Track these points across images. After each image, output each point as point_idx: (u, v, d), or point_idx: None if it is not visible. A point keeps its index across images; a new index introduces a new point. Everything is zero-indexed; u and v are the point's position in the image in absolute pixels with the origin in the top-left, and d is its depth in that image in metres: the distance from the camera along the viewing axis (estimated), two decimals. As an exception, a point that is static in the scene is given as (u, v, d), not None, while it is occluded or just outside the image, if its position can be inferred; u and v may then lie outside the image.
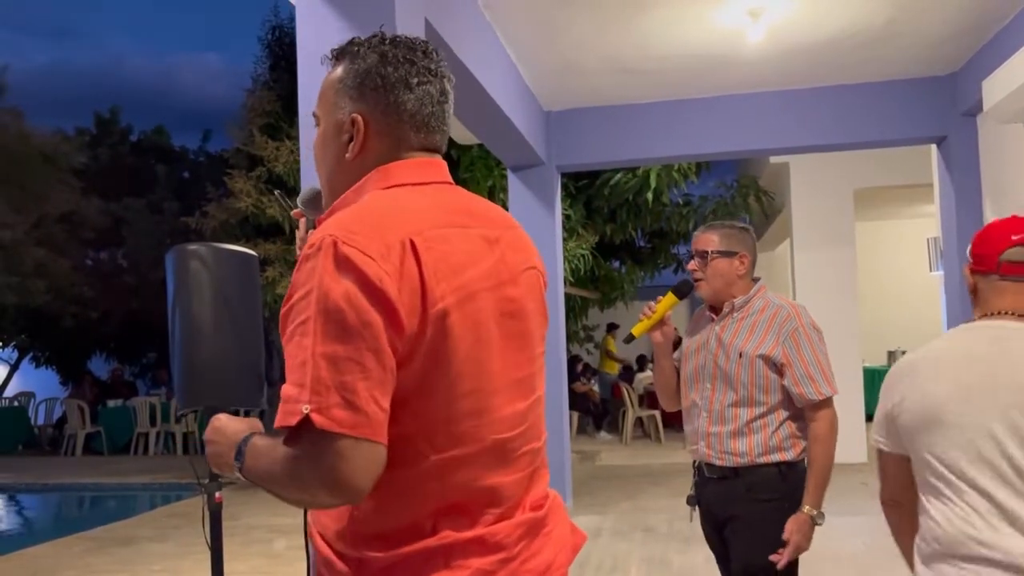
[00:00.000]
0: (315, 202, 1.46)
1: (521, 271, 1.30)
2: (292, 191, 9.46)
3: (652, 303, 2.60)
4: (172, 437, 12.38)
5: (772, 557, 2.38)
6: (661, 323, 2.61)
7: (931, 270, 7.62)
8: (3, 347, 16.41)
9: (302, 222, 1.52)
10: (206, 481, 2.50)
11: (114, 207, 15.75)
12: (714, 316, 2.59)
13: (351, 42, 1.31)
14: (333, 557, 1.23)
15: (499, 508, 1.24)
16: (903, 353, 12.29)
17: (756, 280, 2.60)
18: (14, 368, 17.14)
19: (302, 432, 1.08)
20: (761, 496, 2.45)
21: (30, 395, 15.94)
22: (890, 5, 4.74)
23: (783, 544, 2.40)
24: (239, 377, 2.49)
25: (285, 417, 1.09)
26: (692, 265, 2.60)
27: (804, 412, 2.47)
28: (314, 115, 1.36)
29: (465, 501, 1.21)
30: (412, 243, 1.15)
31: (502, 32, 4.93)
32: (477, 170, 9.02)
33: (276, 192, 1.56)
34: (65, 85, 54.19)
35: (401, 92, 1.26)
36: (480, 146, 7.97)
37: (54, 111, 21.35)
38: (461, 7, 4.20)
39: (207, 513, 2.57)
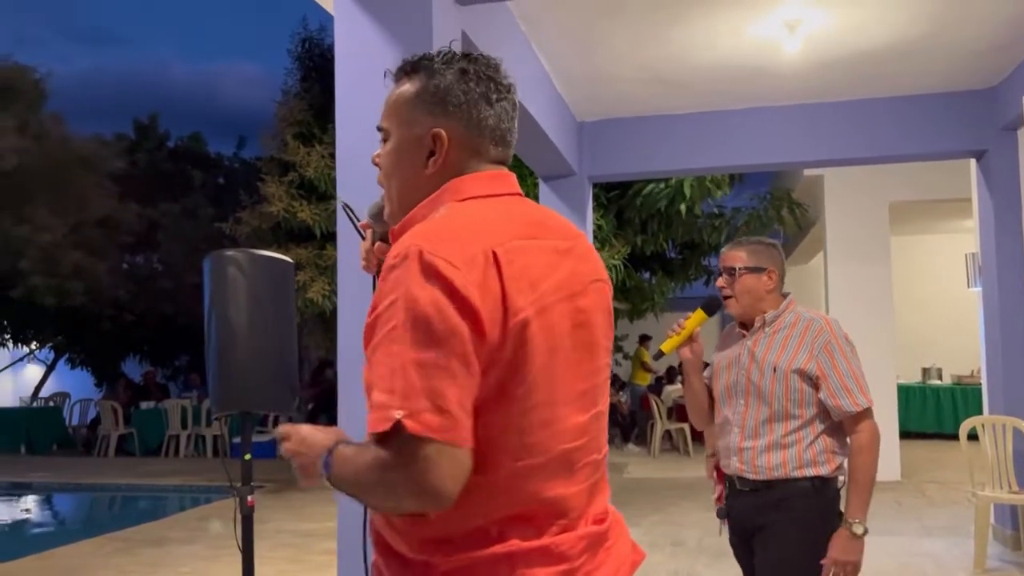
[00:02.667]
0: (382, 215, 1.48)
1: (590, 282, 1.32)
2: (324, 195, 9.55)
3: (681, 320, 2.60)
4: (203, 440, 12.52)
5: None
6: (690, 340, 2.61)
7: (969, 286, 7.48)
8: (40, 348, 16.71)
9: (368, 233, 1.53)
10: (238, 484, 2.53)
11: (150, 212, 16.01)
12: (745, 332, 2.58)
13: (424, 57, 1.33)
14: (396, 561, 1.24)
15: (564, 519, 1.24)
16: (938, 370, 12.13)
17: (786, 295, 2.59)
18: (50, 369, 17.45)
19: (393, 438, 1.10)
20: (792, 509, 2.43)
21: (65, 396, 16.22)
22: (929, 18, 4.68)
23: (809, 559, 2.37)
24: (273, 382, 2.52)
25: (376, 423, 1.11)
26: (721, 282, 2.60)
27: (843, 426, 2.45)
28: (380, 128, 1.38)
29: (532, 510, 1.22)
30: (494, 254, 1.17)
31: (537, 43, 4.94)
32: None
33: (343, 203, 1.60)
34: (107, 91, 55.23)
35: (483, 108, 1.30)
36: (513, 157, 7.98)
37: (95, 117, 21.80)
38: (498, 19, 4.21)
39: (239, 517, 2.60)
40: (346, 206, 1.62)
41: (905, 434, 9.83)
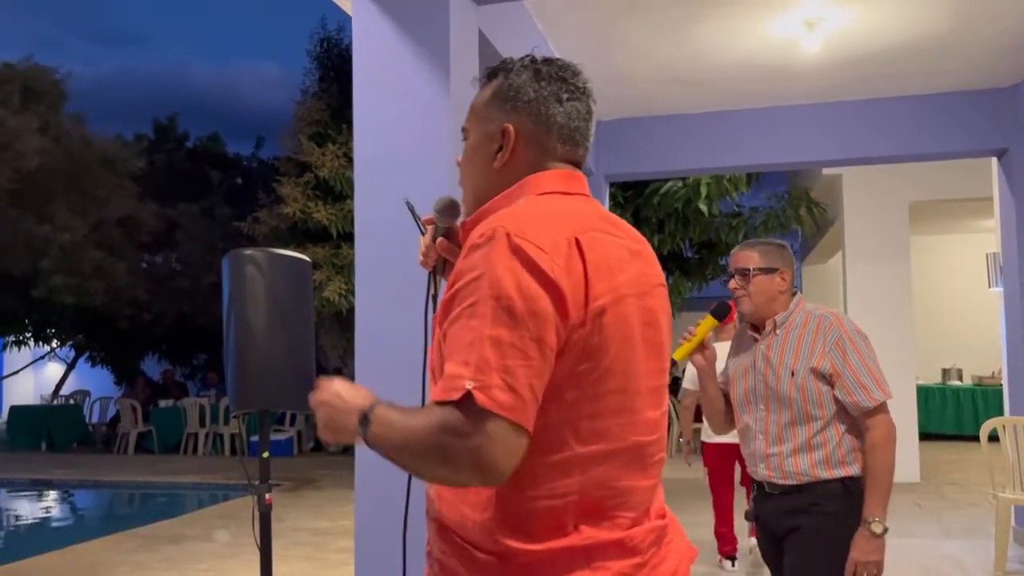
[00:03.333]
0: (448, 211, 1.53)
1: (655, 285, 1.36)
2: (340, 196, 9.54)
3: (691, 327, 2.60)
4: (221, 438, 12.60)
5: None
6: (702, 346, 2.61)
7: (990, 286, 7.42)
8: (61, 346, 16.87)
9: (429, 230, 1.57)
10: (256, 482, 2.54)
11: (169, 212, 16.11)
12: (757, 336, 2.58)
13: (504, 61, 1.41)
14: (472, 549, 1.25)
15: (633, 512, 1.28)
16: (959, 371, 12.01)
17: (794, 293, 2.59)
18: (71, 367, 17.62)
19: (460, 408, 1.12)
20: (824, 510, 2.41)
21: (85, 394, 16.37)
22: (950, 16, 4.64)
23: (841, 560, 2.36)
24: (291, 380, 2.53)
25: (446, 392, 1.13)
26: (733, 283, 2.59)
27: (859, 421, 2.43)
28: (463, 129, 1.45)
29: (604, 499, 1.24)
30: (577, 241, 1.21)
31: (554, 43, 4.94)
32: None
33: (406, 200, 1.65)
34: (127, 92, 55.63)
35: (552, 105, 1.35)
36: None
37: (115, 117, 21.96)
38: (514, 18, 4.22)
39: (257, 514, 2.62)
40: (408, 203, 1.66)
41: (924, 435, 9.75)
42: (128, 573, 5.56)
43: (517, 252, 1.16)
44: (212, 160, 18.45)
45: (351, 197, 7.31)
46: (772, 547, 2.58)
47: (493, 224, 1.20)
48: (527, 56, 1.40)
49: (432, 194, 2.82)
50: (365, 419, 1.20)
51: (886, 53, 5.16)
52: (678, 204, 8.65)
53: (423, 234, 1.59)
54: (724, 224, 9.66)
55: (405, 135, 3.14)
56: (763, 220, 9.55)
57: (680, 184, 8.58)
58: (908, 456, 8.27)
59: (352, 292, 6.33)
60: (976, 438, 5.42)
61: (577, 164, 1.39)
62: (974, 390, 11.34)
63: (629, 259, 1.30)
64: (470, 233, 1.26)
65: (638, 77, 5.54)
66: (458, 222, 1.52)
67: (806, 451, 2.43)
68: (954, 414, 11.33)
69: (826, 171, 9.03)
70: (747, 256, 2.58)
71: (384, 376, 2.65)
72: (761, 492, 2.57)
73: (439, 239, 1.54)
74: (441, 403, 1.14)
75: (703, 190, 8.39)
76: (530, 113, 1.34)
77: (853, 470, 2.42)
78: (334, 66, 11.06)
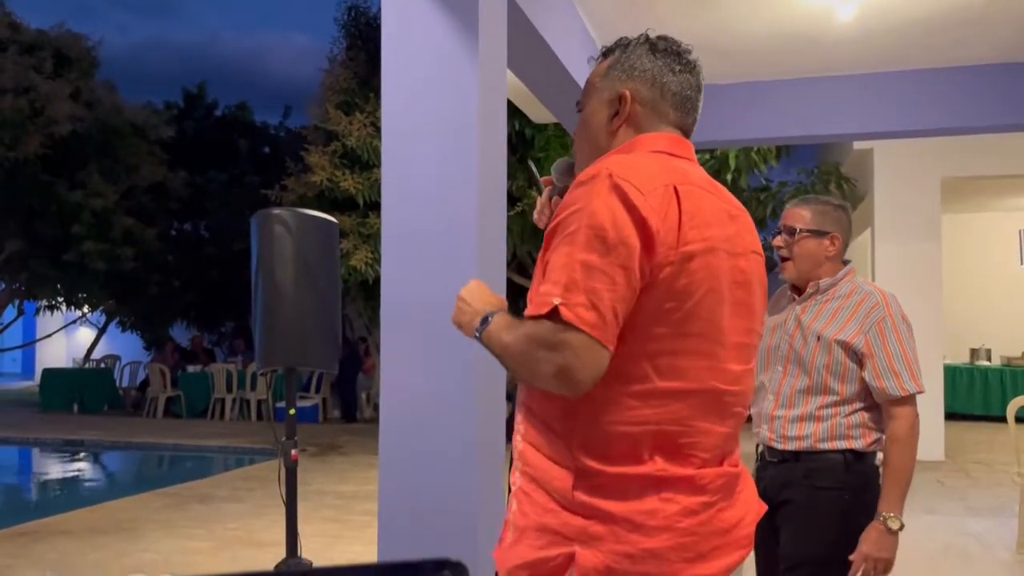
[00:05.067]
0: (567, 172, 1.61)
1: (750, 251, 1.43)
2: (367, 165, 9.57)
3: None
4: (247, 404, 12.78)
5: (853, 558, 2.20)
6: None
7: (1022, 262, 7.30)
8: (92, 311, 17.16)
9: (547, 189, 1.67)
10: (284, 439, 2.59)
11: (199, 179, 16.24)
12: (796, 296, 2.41)
13: (621, 38, 1.52)
14: (551, 466, 1.34)
15: (707, 454, 1.35)
16: (987, 351, 11.84)
17: (846, 262, 2.41)
18: (102, 332, 17.93)
19: (548, 321, 1.24)
20: (819, 483, 2.25)
21: (116, 358, 16.67)
22: (990, -16, 4.54)
23: (834, 537, 2.22)
24: (317, 338, 2.56)
25: (537, 307, 1.25)
26: (778, 241, 2.40)
27: (882, 408, 2.27)
28: (577, 103, 1.54)
29: (678, 435, 1.32)
30: (676, 189, 1.30)
31: (585, 11, 4.89)
32: (552, 149, 9.00)
33: (528, 161, 1.93)
34: (158, 61, 55.92)
35: (666, 75, 1.45)
36: (556, 125, 7.95)
37: (146, 86, 22.13)
38: (543, -17, 4.18)
39: (283, 470, 2.67)
40: (530, 162, 1.83)
41: (951, 415, 9.67)
42: (157, 530, 5.69)
43: (616, 190, 1.25)
44: (241, 129, 18.55)
45: (378, 166, 7.32)
46: (765, 520, 2.49)
47: (599, 165, 1.31)
48: (642, 34, 1.50)
49: (460, 161, 2.85)
50: (485, 321, 1.37)
51: (921, 24, 5.06)
52: (705, 176, 8.59)
53: (539, 193, 1.69)
54: (752, 198, 9.59)
55: (432, 102, 3.12)
56: (792, 195, 9.46)
57: (708, 156, 8.51)
58: (933, 434, 8.21)
59: (378, 261, 6.38)
60: (1004, 419, 5.37)
61: (686, 133, 1.48)
62: (1002, 371, 11.22)
63: (727, 220, 1.38)
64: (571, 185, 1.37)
65: (668, 46, 5.48)
66: None
67: (812, 420, 2.28)
68: (982, 394, 11.21)
69: (857, 146, 8.90)
70: (798, 214, 2.38)
71: (409, 345, 2.67)
72: (762, 461, 2.43)
73: (555, 198, 1.63)
74: (532, 317, 1.26)
75: (732, 163, 8.31)
76: (646, 81, 1.45)
77: (857, 444, 2.26)
78: (361, 35, 11.05)
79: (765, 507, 1.49)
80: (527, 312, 1.28)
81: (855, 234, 12.39)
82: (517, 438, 1.43)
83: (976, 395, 11.24)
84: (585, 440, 1.31)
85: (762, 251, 1.48)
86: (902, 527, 2.20)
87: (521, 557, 1.34)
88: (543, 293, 1.25)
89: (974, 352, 11.59)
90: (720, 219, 1.36)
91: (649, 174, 1.30)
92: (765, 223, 9.33)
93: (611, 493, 1.29)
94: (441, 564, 0.73)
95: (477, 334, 1.39)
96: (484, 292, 1.45)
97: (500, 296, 1.46)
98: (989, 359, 11.53)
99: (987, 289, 12.13)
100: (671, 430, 1.31)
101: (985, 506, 6.32)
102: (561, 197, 1.60)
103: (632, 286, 1.24)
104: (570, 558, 1.30)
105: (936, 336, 8.37)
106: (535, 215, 1.68)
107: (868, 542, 2.19)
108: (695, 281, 1.29)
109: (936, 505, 6.29)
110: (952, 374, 10.85)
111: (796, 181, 9.61)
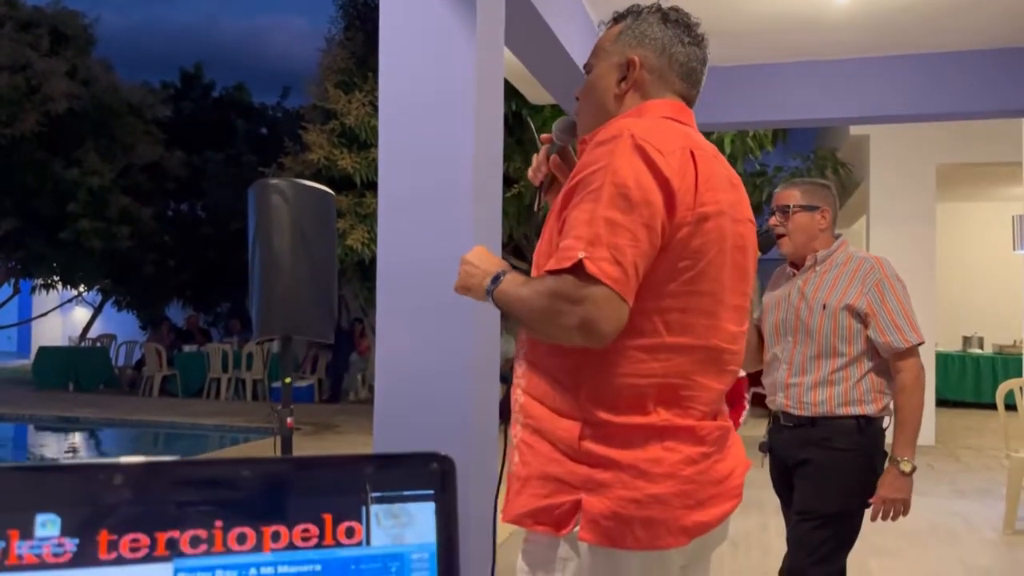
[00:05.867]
0: (568, 130, 1.63)
1: (747, 219, 1.49)
2: (364, 144, 9.54)
3: None
4: (243, 384, 12.81)
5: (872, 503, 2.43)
6: None
7: (1015, 249, 7.33)
8: (88, 290, 17.14)
9: (544, 148, 1.68)
10: (279, 407, 2.62)
11: (195, 159, 16.20)
12: (795, 271, 2.63)
13: (633, 6, 1.56)
14: (555, 418, 1.38)
15: (705, 408, 1.41)
16: (980, 339, 11.88)
17: (838, 236, 2.62)
18: (97, 311, 17.91)
19: (572, 275, 1.27)
20: (836, 445, 2.47)
21: (111, 337, 16.66)
22: (987, -31, 4.55)
23: (850, 495, 2.44)
24: (313, 308, 2.59)
25: (560, 262, 1.29)
26: (774, 220, 2.64)
27: (889, 364, 2.48)
28: (586, 65, 1.57)
29: (680, 388, 1.38)
30: (693, 153, 1.35)
31: (581, -11, 4.90)
32: (549, 130, 8.99)
33: (527, 118, 1.79)
34: (156, 41, 55.48)
35: (676, 45, 1.50)
36: (554, 106, 7.95)
37: (143, 66, 21.98)
38: (542, -39, 4.17)
39: (279, 439, 2.70)
40: (529, 119, 1.77)
41: (943, 402, 9.73)
42: (153, 504, 5.73)
43: (639, 150, 1.29)
44: (238, 109, 18.48)
45: (375, 146, 7.32)
46: (783, 479, 2.65)
47: (618, 125, 1.35)
48: (654, 4, 1.54)
49: (457, 141, 2.86)
50: (496, 279, 1.40)
51: (920, 8, 5.07)
52: (702, 161, 8.60)
53: (537, 151, 1.71)
54: (748, 183, 9.59)
55: (430, 81, 3.13)
56: (787, 180, 9.48)
57: (705, 140, 8.53)
58: (924, 420, 8.21)
59: (374, 241, 6.39)
60: (994, 406, 5.42)
61: (689, 104, 1.52)
62: (994, 358, 11.29)
63: (730, 187, 1.43)
64: (588, 145, 1.40)
65: (666, 28, 5.48)
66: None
67: (825, 385, 2.48)
68: (973, 382, 11.28)
69: (853, 131, 8.92)
70: (788, 194, 2.62)
71: (404, 324, 2.69)
72: (776, 424, 2.63)
73: (553, 156, 1.66)
74: (554, 272, 1.29)
75: (727, 148, 8.32)
76: (655, 49, 1.49)
77: (869, 409, 2.47)
78: (360, 15, 11.02)
79: (750, 463, 1.56)
80: (549, 266, 1.31)
81: (850, 221, 12.48)
82: (517, 392, 1.46)
83: (968, 382, 11.30)
84: (594, 391, 1.36)
85: (755, 220, 1.54)
86: (914, 469, 2.43)
87: (526, 505, 1.39)
88: (565, 247, 1.29)
89: (966, 340, 11.65)
90: (725, 185, 1.41)
91: (668, 137, 1.34)
92: (761, 208, 9.36)
93: (618, 442, 1.34)
94: (430, 457, 0.76)
95: (489, 293, 1.41)
96: (490, 255, 1.49)
97: (502, 259, 1.49)
98: (981, 347, 11.59)
99: (980, 278, 12.18)
100: (675, 383, 1.36)
101: (973, 488, 6.40)
102: (559, 155, 1.65)
103: (653, 244, 1.29)
104: (576, 505, 1.34)
105: (929, 323, 8.40)
106: (530, 171, 1.71)
107: (885, 486, 2.43)
108: (708, 242, 1.34)
109: (925, 488, 6.36)
110: (944, 361, 10.91)
111: (792, 166, 9.62)
